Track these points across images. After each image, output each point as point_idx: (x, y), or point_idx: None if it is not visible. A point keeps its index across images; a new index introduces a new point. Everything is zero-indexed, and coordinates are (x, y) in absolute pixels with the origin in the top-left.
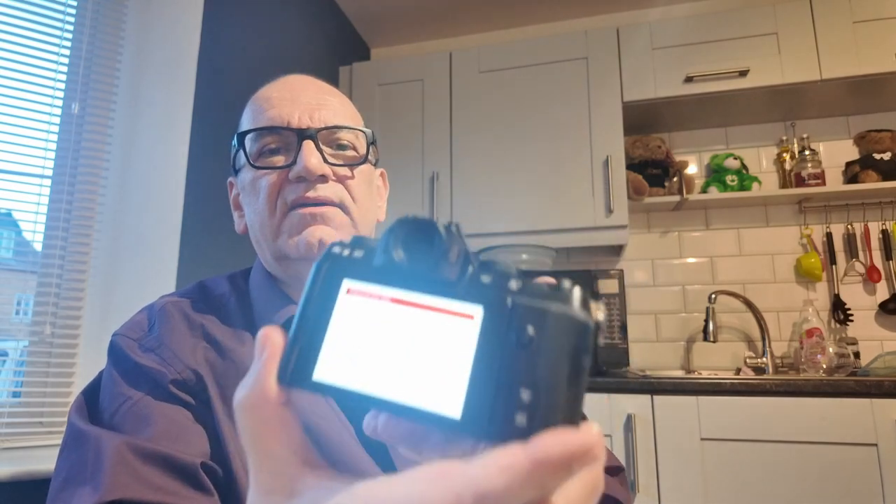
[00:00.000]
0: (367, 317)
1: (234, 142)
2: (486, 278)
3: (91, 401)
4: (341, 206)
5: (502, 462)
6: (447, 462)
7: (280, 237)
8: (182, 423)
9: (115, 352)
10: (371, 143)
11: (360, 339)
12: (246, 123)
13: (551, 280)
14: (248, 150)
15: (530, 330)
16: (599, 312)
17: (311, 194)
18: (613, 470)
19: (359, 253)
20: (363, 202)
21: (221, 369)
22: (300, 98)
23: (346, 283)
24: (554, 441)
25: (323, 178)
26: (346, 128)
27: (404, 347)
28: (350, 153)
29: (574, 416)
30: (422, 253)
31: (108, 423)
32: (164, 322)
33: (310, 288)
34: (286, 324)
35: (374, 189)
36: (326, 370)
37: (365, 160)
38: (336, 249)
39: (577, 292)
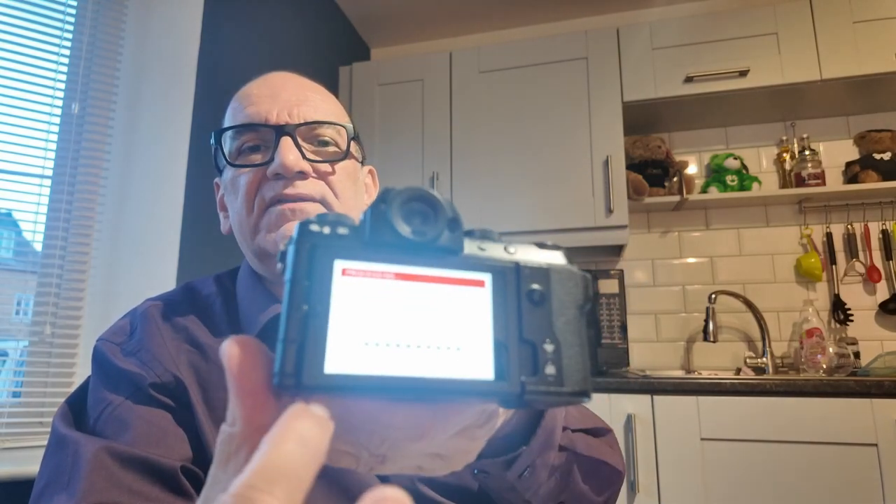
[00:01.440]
0: (373, 297)
1: (213, 140)
2: (483, 245)
3: (76, 408)
4: (322, 203)
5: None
6: None
7: (258, 234)
8: (163, 426)
9: (97, 357)
10: (352, 138)
11: (371, 321)
12: (227, 121)
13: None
14: (227, 148)
15: (539, 288)
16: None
17: (289, 191)
18: (600, 431)
19: (342, 230)
20: (346, 199)
21: (205, 373)
22: (280, 95)
23: (340, 264)
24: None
25: (302, 175)
26: (325, 123)
27: (420, 322)
28: (331, 149)
29: (588, 359)
30: (423, 225)
31: (91, 429)
32: (146, 326)
33: (293, 273)
34: (270, 323)
35: (360, 185)
36: (339, 361)
37: (346, 156)
38: (314, 227)
39: (562, 250)
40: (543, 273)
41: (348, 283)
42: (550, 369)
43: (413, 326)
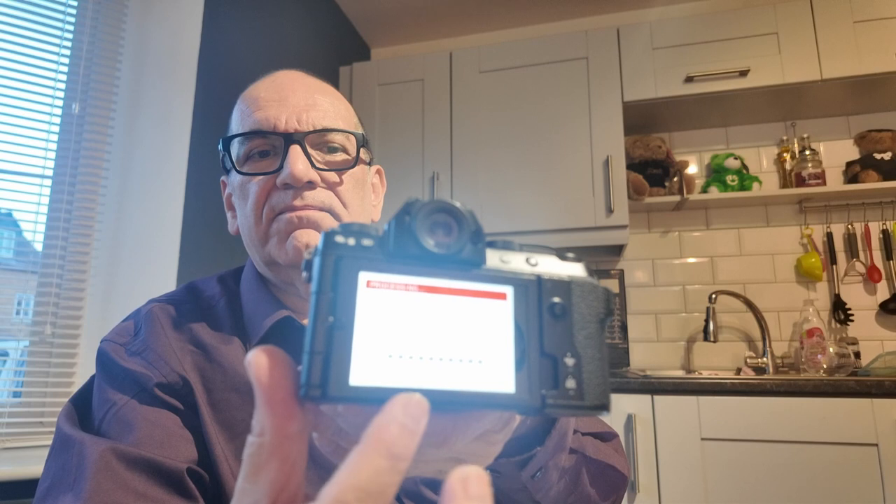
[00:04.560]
0: (397, 309)
1: (220, 146)
2: (505, 257)
3: (80, 407)
4: (330, 213)
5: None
6: None
7: (268, 243)
8: (168, 427)
9: (102, 358)
10: (362, 145)
11: (395, 333)
12: (234, 125)
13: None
14: (235, 152)
15: (560, 301)
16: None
17: (298, 202)
18: (607, 436)
19: (367, 241)
20: (354, 207)
21: (209, 374)
22: (288, 99)
23: (364, 276)
24: (379, 418)
25: (311, 185)
26: (335, 130)
27: (443, 335)
28: (340, 156)
29: (608, 373)
30: (447, 237)
31: (96, 430)
32: (150, 326)
33: (319, 284)
34: (275, 327)
35: (367, 189)
36: (364, 373)
37: (355, 164)
38: (339, 239)
39: (583, 262)
40: (565, 286)
41: (373, 295)
42: (571, 383)
43: (436, 339)
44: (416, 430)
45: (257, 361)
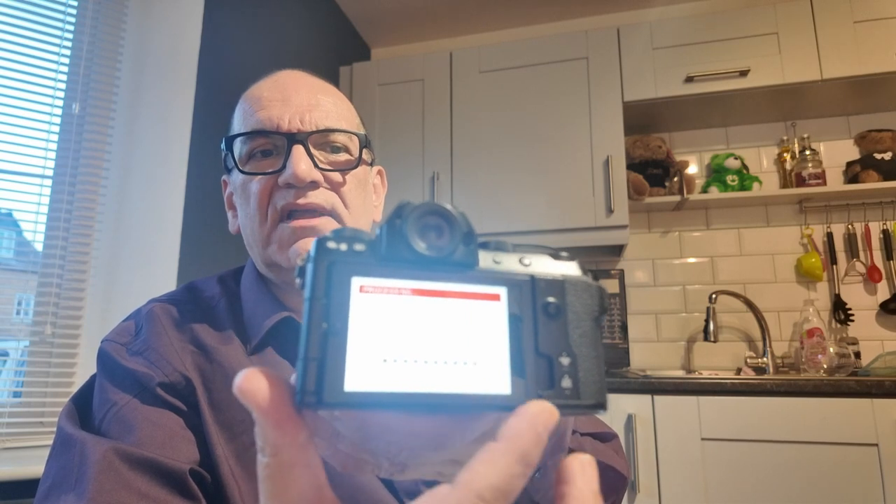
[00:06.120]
0: (390, 313)
1: (223, 145)
2: (497, 258)
3: (81, 407)
4: (332, 214)
5: (486, 457)
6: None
7: (270, 246)
8: (170, 427)
9: (103, 358)
10: (364, 146)
11: (389, 337)
12: (236, 124)
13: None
14: (237, 152)
15: (554, 301)
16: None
17: (301, 201)
18: (606, 436)
19: (359, 246)
20: (356, 208)
21: (209, 374)
22: (291, 99)
23: (357, 281)
24: (518, 423)
25: (314, 185)
26: (338, 131)
27: (437, 338)
28: (343, 156)
29: (604, 371)
30: (438, 240)
31: (97, 430)
32: (152, 326)
33: (312, 291)
34: (275, 327)
35: (369, 190)
36: (359, 378)
37: (358, 164)
38: (331, 245)
39: (577, 261)
40: (559, 285)
41: (366, 300)
42: (567, 382)
43: (430, 342)
44: (546, 440)
45: (256, 386)
